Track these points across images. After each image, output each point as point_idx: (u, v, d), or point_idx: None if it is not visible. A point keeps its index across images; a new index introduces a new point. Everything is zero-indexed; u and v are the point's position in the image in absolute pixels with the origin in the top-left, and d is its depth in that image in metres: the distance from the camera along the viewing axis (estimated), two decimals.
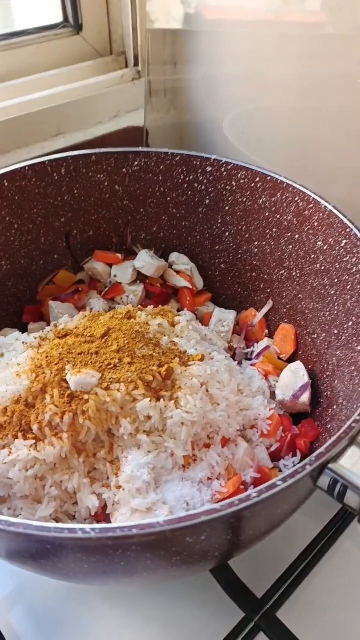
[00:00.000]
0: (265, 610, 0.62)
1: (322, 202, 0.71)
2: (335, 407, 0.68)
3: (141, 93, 1.11)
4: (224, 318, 0.87)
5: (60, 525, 0.37)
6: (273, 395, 0.77)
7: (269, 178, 0.77)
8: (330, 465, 0.44)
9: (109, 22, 1.17)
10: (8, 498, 0.58)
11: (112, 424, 0.59)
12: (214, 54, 1.08)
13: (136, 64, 1.16)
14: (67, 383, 0.60)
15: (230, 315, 0.88)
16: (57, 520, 0.58)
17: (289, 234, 0.79)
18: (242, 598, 0.63)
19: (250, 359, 0.85)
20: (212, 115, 1.12)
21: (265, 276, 0.86)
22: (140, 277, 0.90)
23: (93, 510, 0.57)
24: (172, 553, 0.43)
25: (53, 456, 0.57)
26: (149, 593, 0.65)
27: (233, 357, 0.84)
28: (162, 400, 0.61)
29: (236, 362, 0.80)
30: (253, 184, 0.80)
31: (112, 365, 0.62)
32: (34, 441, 0.58)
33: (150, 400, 0.60)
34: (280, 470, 0.69)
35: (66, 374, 0.60)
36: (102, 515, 0.58)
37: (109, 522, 0.58)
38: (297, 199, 0.75)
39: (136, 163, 0.85)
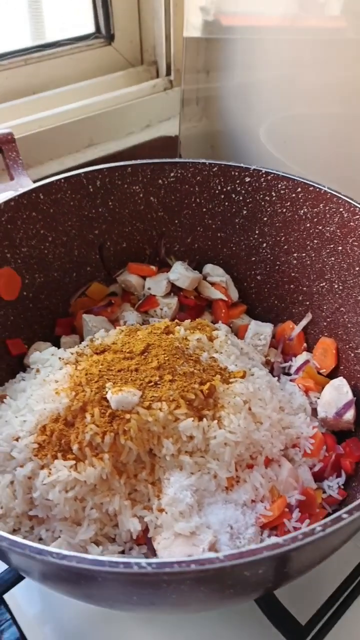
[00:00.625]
0: (310, 638, 0.59)
1: None
2: None
3: (172, 102, 1.11)
4: (260, 331, 0.85)
5: (114, 558, 0.35)
6: (314, 412, 0.74)
7: (311, 188, 0.75)
8: None
9: (140, 32, 1.16)
10: (47, 519, 0.57)
11: (154, 444, 0.57)
12: (248, 61, 1.06)
13: (168, 73, 1.15)
14: (107, 401, 0.59)
15: (267, 329, 0.85)
16: (96, 543, 0.56)
17: (332, 246, 0.76)
18: (285, 625, 0.60)
19: (288, 374, 0.83)
20: (245, 123, 1.11)
21: (304, 288, 0.83)
22: (174, 290, 0.89)
23: (135, 533, 0.55)
24: (226, 586, 0.40)
25: (94, 477, 0.55)
26: (188, 618, 0.63)
27: (271, 371, 0.82)
28: (204, 419, 0.59)
29: (275, 378, 0.78)
30: (294, 195, 0.78)
31: (152, 383, 0.61)
32: (73, 462, 0.56)
33: (193, 420, 0.58)
34: (324, 492, 0.66)
35: (106, 392, 0.59)
36: (143, 538, 0.56)
37: (150, 545, 0.56)
38: (341, 209, 0.73)
39: (172, 174, 0.84)
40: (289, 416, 0.69)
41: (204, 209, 0.86)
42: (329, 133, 0.90)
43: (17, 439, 0.60)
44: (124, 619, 0.62)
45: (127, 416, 0.57)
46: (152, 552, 0.55)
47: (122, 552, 0.56)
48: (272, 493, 0.61)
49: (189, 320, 0.76)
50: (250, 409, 0.63)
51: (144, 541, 0.57)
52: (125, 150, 1.06)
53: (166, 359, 0.63)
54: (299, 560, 0.41)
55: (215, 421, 0.59)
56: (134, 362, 0.63)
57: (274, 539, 0.36)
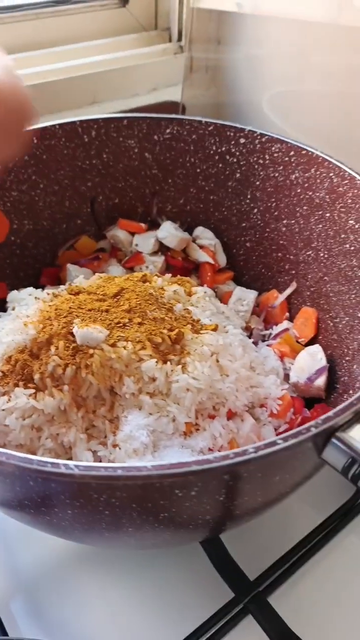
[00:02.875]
0: (255, 593, 0.59)
1: (359, 177, 0.68)
2: (351, 392, 0.65)
3: (181, 68, 1.10)
4: (243, 297, 0.84)
5: (44, 458, 0.35)
6: (287, 377, 0.74)
7: (303, 152, 0.74)
8: (337, 434, 0.40)
9: None
10: (3, 447, 0.57)
11: (115, 381, 0.57)
12: (260, 35, 1.05)
13: (179, 39, 1.14)
14: (74, 336, 0.59)
15: (250, 295, 0.85)
16: None
17: (320, 212, 0.75)
18: (233, 578, 0.60)
19: (267, 341, 0.82)
20: (253, 95, 1.10)
21: (291, 256, 0.83)
22: (162, 249, 0.88)
23: None
24: (160, 507, 0.40)
25: (52, 407, 0.55)
26: (139, 563, 0.63)
27: (250, 337, 0.81)
28: (169, 363, 0.59)
29: (252, 341, 0.78)
30: (287, 158, 0.77)
31: (121, 324, 0.61)
32: (34, 390, 0.56)
33: (156, 362, 0.58)
34: None
35: (73, 327, 0.59)
36: None
37: None
38: (331, 174, 0.72)
39: (168, 130, 0.83)
40: (259, 376, 0.69)
41: (198, 170, 0.86)
42: (332, 109, 0.89)
43: None
44: (78, 565, 0.62)
45: (91, 351, 0.57)
46: None
47: None
48: (231, 445, 0.60)
49: (170, 275, 0.75)
50: (217, 360, 0.63)
51: None
52: (129, 111, 1.05)
53: (138, 303, 0.63)
54: (235, 488, 0.41)
55: (180, 366, 0.59)
56: (106, 303, 0.63)
57: (205, 455, 0.35)
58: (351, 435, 0.41)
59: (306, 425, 0.38)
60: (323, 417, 0.39)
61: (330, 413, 0.40)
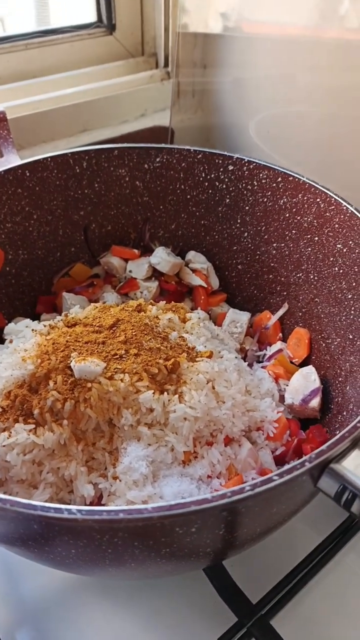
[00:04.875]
0: (258, 617, 0.60)
1: (344, 203, 0.70)
2: (345, 413, 0.66)
3: (169, 93, 1.12)
4: (237, 319, 0.86)
5: (47, 504, 0.36)
6: (282, 399, 0.75)
7: (290, 178, 0.76)
8: (331, 465, 0.42)
9: (142, 24, 1.18)
10: (5, 482, 0.58)
11: (114, 414, 0.59)
12: (246, 58, 1.07)
13: (166, 65, 1.16)
14: (71, 370, 0.60)
15: (243, 317, 0.86)
16: None
17: (309, 236, 0.77)
18: (236, 602, 0.61)
19: (262, 362, 0.83)
20: (240, 118, 1.12)
21: (282, 278, 0.84)
22: (155, 274, 0.90)
23: (88, 499, 0.56)
24: (161, 544, 0.41)
25: (52, 442, 0.56)
26: (142, 590, 0.64)
27: (244, 358, 0.83)
28: (165, 393, 0.60)
29: (246, 364, 0.79)
30: (274, 184, 0.79)
31: (117, 356, 0.62)
32: (33, 426, 0.57)
33: (153, 393, 0.59)
34: None
35: (71, 361, 0.60)
36: (97, 505, 0.57)
37: None
38: (318, 200, 0.74)
39: (158, 159, 0.85)
40: (255, 400, 0.70)
41: (188, 196, 0.87)
42: (318, 130, 0.91)
43: None
44: (83, 592, 0.63)
45: (89, 385, 0.58)
46: None
47: None
48: (230, 471, 0.62)
49: (164, 302, 0.77)
50: (213, 387, 0.64)
51: None
52: (119, 138, 1.07)
53: (134, 333, 0.64)
54: (234, 523, 0.42)
55: (177, 396, 0.60)
56: (102, 335, 0.64)
57: (204, 495, 0.37)
58: (344, 466, 0.43)
59: (301, 460, 0.40)
60: (316, 451, 0.40)
61: (323, 447, 0.41)
